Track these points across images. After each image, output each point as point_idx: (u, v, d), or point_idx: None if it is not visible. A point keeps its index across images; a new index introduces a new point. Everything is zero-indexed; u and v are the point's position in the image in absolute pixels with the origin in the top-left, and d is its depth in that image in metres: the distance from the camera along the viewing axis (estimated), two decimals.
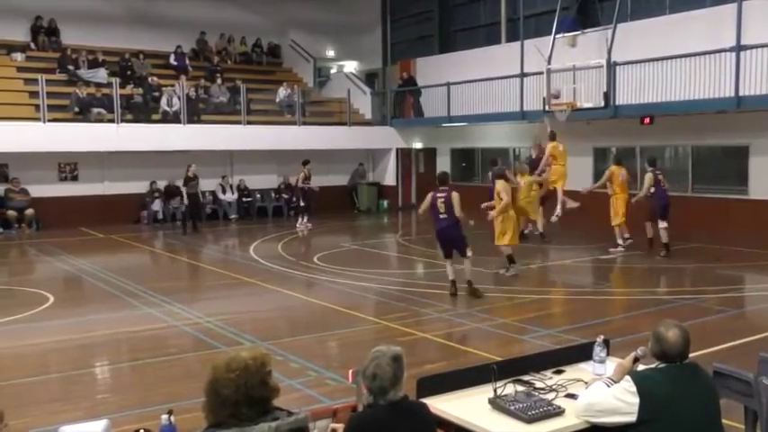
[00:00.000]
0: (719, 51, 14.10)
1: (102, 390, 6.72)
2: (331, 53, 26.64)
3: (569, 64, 15.76)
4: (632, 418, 3.19)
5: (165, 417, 3.59)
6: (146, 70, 21.22)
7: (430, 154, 23.32)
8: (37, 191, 18.27)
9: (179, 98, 19.66)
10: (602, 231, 14.30)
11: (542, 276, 12.18)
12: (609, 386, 3.36)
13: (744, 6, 14.04)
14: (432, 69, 22.20)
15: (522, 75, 18.26)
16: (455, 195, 9.67)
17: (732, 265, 12.56)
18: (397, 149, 23.52)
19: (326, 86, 25.61)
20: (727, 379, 4.09)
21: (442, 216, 9.72)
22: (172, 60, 22.49)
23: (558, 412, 3.44)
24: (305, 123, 21.57)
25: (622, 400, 3.21)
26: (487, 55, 20.39)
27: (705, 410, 3.28)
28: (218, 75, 22.05)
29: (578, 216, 14.90)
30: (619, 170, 13.73)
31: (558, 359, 4.19)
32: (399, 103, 23.17)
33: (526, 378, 3.87)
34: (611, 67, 15.38)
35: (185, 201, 18.20)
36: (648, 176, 12.91)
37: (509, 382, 3.72)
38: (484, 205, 11.64)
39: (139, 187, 19.75)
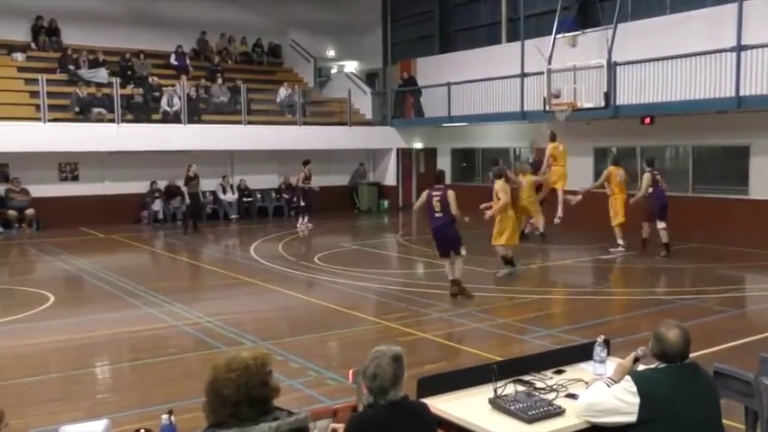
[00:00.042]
0: (720, 51, 14.10)
1: (102, 390, 6.72)
2: (331, 53, 26.64)
3: (570, 64, 15.76)
4: (633, 418, 3.18)
5: (165, 417, 3.59)
6: (146, 70, 21.21)
7: (430, 154, 23.29)
8: (37, 191, 18.27)
9: (179, 98, 19.65)
10: (602, 231, 14.29)
11: (542, 276, 12.18)
12: (609, 386, 3.36)
13: (744, 6, 14.04)
14: (432, 69, 22.19)
15: (523, 75, 18.25)
16: (451, 194, 9.65)
17: (732, 265, 12.56)
18: (398, 149, 23.52)
19: (327, 86, 25.60)
20: (727, 379, 4.09)
21: (437, 215, 9.71)
22: (172, 60, 22.48)
23: (559, 412, 3.43)
24: (305, 123, 21.57)
25: (623, 400, 3.21)
26: (488, 55, 20.38)
27: (705, 411, 3.28)
28: (219, 75, 22.03)
29: (578, 216, 14.90)
30: (616, 170, 13.73)
31: (559, 359, 4.19)
32: (400, 103, 23.16)
33: (526, 378, 3.87)
34: (612, 67, 15.38)
35: (186, 200, 18.22)
36: (647, 177, 12.92)
37: (509, 382, 3.72)
38: (483, 206, 11.63)
39: (140, 187, 19.75)
